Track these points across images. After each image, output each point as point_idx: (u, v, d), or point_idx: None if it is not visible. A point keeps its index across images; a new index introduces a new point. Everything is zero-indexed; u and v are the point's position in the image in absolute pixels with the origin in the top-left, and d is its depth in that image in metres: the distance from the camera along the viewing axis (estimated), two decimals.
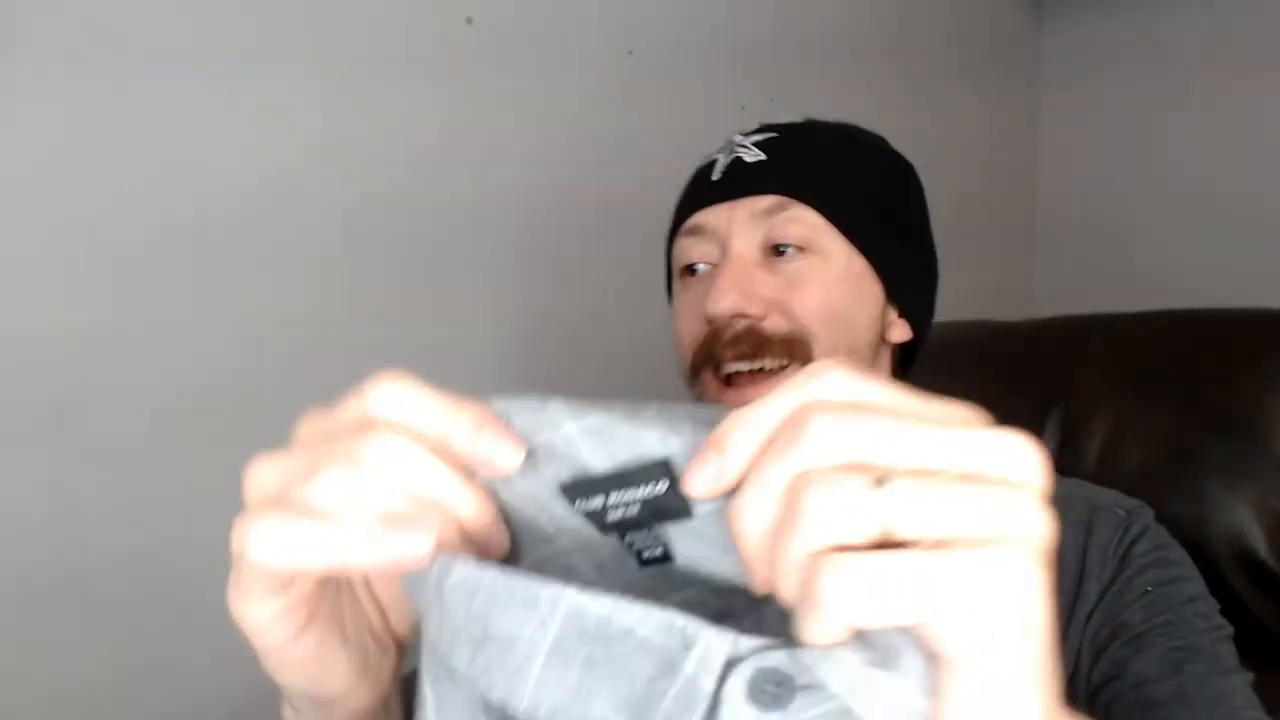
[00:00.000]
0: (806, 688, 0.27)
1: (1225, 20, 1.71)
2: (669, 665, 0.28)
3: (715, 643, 0.28)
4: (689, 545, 0.35)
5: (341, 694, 0.37)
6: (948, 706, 0.28)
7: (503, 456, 0.33)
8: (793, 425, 0.28)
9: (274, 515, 0.31)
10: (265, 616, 0.33)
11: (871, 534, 0.26)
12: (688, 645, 0.28)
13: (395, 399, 0.33)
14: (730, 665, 0.27)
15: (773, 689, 0.27)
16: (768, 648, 0.28)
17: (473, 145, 1.11)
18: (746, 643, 0.28)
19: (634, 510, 0.33)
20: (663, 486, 0.32)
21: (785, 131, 0.75)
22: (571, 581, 0.29)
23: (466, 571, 0.30)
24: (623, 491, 0.33)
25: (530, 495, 0.35)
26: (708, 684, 0.27)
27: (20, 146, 0.84)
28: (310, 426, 0.34)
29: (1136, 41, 1.77)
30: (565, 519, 0.35)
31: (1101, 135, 1.82)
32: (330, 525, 0.31)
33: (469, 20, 1.14)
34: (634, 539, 0.35)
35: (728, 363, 0.68)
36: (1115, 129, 1.80)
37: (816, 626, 0.26)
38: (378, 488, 0.31)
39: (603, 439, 0.33)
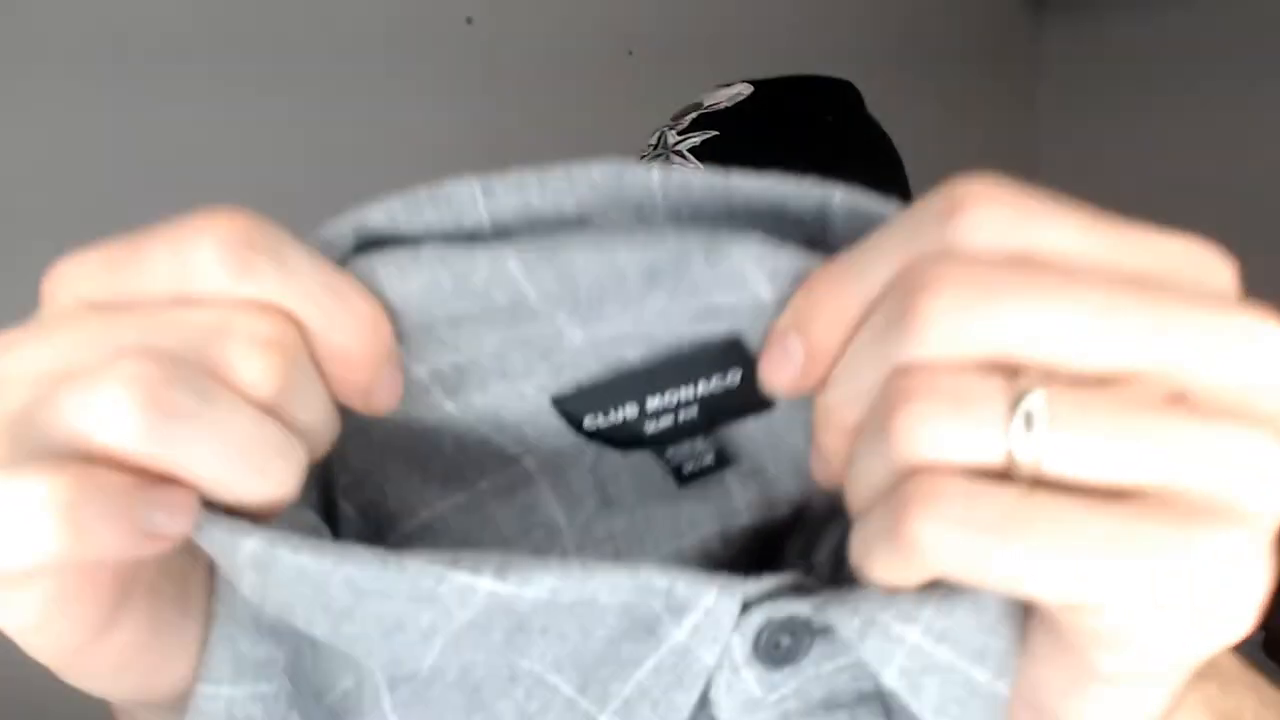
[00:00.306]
0: (826, 633, 0.21)
1: (1225, 20, 1.71)
2: (643, 628, 0.21)
3: (720, 604, 0.21)
4: (754, 439, 0.26)
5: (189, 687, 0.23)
6: (1060, 706, 0.21)
7: (386, 395, 0.23)
8: (902, 295, 0.19)
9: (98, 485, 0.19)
10: (29, 616, 0.20)
11: (998, 464, 0.18)
12: (677, 610, 0.21)
13: (248, 262, 0.21)
14: (743, 611, 0.21)
15: (786, 640, 0.21)
16: (786, 591, 0.21)
17: (473, 145, 1.11)
18: (756, 586, 0.21)
19: (689, 414, 0.24)
20: (734, 377, 0.23)
21: (727, 128, 0.63)
22: (515, 545, 0.22)
23: (304, 562, 0.19)
24: (670, 391, 0.24)
25: (486, 414, 0.25)
26: (707, 656, 0.21)
27: (20, 147, 0.84)
28: (86, 282, 0.22)
29: (1136, 42, 1.77)
30: (544, 437, 0.25)
31: (1101, 135, 1.82)
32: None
33: (469, 20, 1.14)
34: (678, 452, 0.26)
35: None
36: (1115, 129, 1.80)
37: (892, 568, 0.19)
38: (235, 421, 0.20)
39: (554, 272, 0.22)
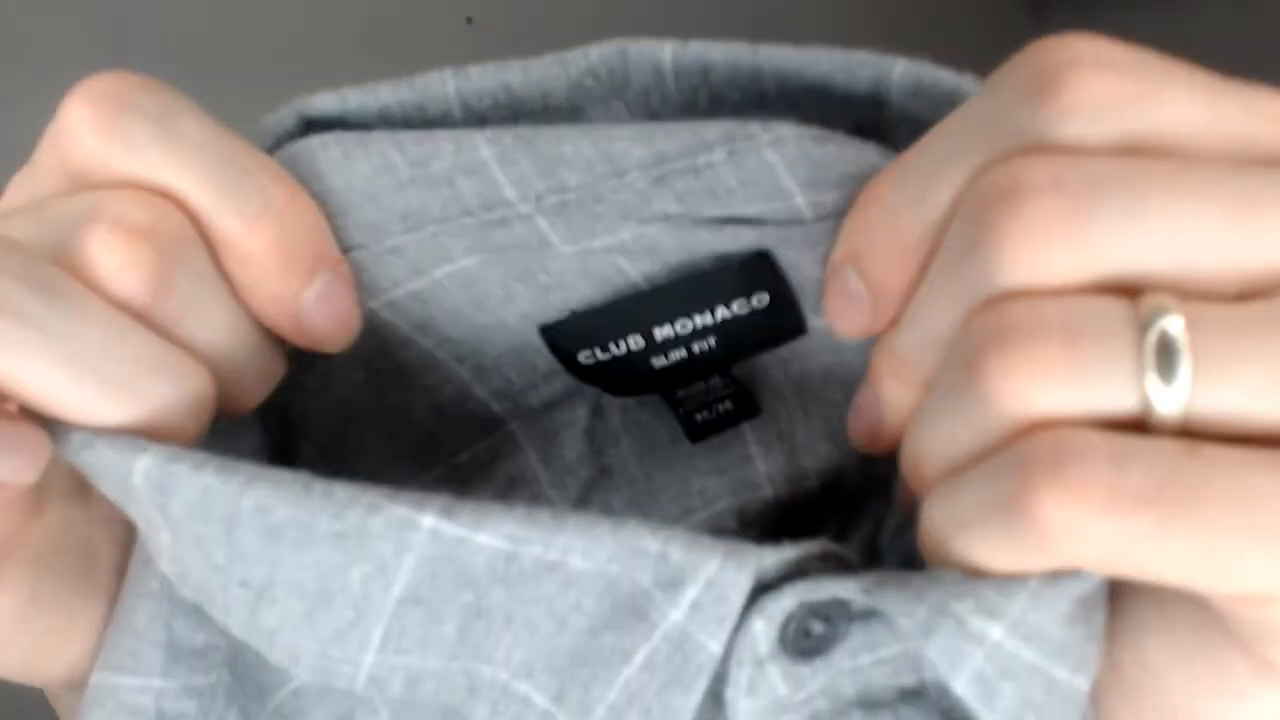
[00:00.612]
0: (866, 618, 0.17)
1: (1225, 20, 1.71)
2: (629, 611, 0.16)
3: (724, 575, 0.16)
4: (781, 395, 0.22)
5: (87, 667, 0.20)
6: (1216, 713, 0.17)
7: (342, 329, 0.19)
8: (983, 208, 0.15)
9: None
10: None
11: (1130, 413, 0.14)
12: (670, 583, 0.16)
13: (118, 123, 0.17)
14: (756, 599, 0.17)
15: (820, 627, 0.17)
16: (817, 565, 0.17)
17: None
18: (772, 557, 0.17)
19: (705, 346, 0.20)
20: (760, 300, 0.19)
21: None
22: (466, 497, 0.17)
23: (208, 482, 0.16)
24: (683, 318, 0.19)
25: (465, 352, 0.21)
26: (712, 643, 0.17)
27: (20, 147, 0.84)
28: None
29: (1136, 42, 1.77)
30: (531, 383, 0.22)
31: None
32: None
33: (469, 20, 1.14)
34: (690, 395, 0.22)
35: None
36: None
37: (1001, 556, 0.15)
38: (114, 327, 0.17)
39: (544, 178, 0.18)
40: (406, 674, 0.17)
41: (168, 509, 0.16)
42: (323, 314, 0.19)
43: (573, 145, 0.18)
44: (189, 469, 0.16)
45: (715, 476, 0.23)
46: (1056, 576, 0.16)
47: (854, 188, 0.17)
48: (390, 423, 0.22)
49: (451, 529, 0.16)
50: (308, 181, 0.18)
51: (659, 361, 0.20)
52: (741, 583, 0.17)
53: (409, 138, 0.18)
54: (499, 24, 1.20)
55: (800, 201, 0.18)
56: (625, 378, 0.21)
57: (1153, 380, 0.14)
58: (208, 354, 0.18)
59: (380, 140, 0.18)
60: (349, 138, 0.19)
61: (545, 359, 0.21)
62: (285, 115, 0.20)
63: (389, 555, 0.16)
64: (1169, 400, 0.14)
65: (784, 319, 0.19)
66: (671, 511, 0.23)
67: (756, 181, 0.18)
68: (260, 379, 0.20)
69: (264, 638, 0.17)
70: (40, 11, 0.86)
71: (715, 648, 0.17)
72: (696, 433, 0.22)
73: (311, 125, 0.20)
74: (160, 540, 0.17)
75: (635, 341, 0.20)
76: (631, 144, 0.18)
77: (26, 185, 0.19)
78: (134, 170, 0.18)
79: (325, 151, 0.19)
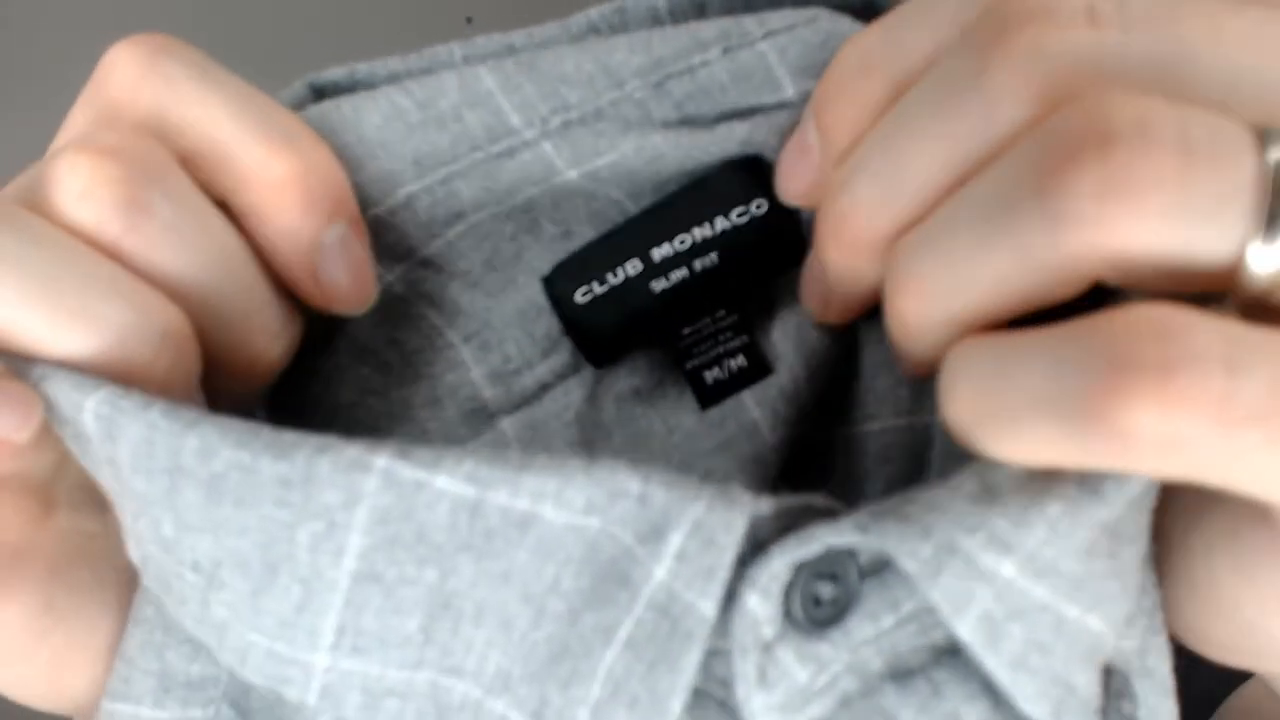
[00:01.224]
0: (878, 572, 0.15)
1: None
2: (612, 577, 0.14)
3: (713, 517, 0.14)
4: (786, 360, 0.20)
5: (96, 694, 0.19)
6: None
7: (360, 291, 0.18)
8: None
9: None
10: None
11: (1219, 268, 0.13)
12: (652, 533, 0.14)
13: (156, 63, 0.18)
14: (754, 555, 0.14)
15: (828, 590, 0.15)
16: (811, 515, 0.15)
17: None
18: (769, 504, 0.14)
19: (706, 263, 0.19)
20: (758, 207, 0.19)
21: None
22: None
23: (154, 419, 0.15)
24: (680, 235, 0.19)
25: (472, 328, 0.20)
26: (703, 603, 0.14)
27: (20, 148, 0.84)
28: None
29: None
30: (530, 359, 0.21)
31: None
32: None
33: (469, 20, 1.14)
34: (698, 336, 0.20)
35: None
36: None
37: (1063, 452, 0.13)
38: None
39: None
40: (365, 686, 0.15)
41: (117, 459, 0.15)
42: (342, 263, 0.18)
43: (573, 62, 0.18)
44: (137, 406, 0.15)
45: (719, 455, 0.21)
46: (1079, 504, 0.14)
47: None
48: (389, 424, 0.21)
49: (407, 470, 0.14)
50: (323, 140, 0.19)
51: (659, 284, 0.19)
52: (733, 524, 0.14)
53: (414, 83, 0.18)
54: (499, 24, 1.20)
55: (790, 92, 0.18)
56: (625, 318, 0.20)
57: (1259, 227, 0.12)
58: (190, 286, 0.17)
59: (387, 90, 0.18)
60: (359, 96, 0.19)
61: (544, 323, 0.21)
62: (298, 87, 0.20)
63: (338, 507, 0.14)
64: (1267, 259, 0.12)
65: (783, 227, 0.19)
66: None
67: (749, 75, 0.17)
68: (267, 332, 0.18)
69: (214, 633, 0.16)
70: (41, 11, 0.86)
71: (707, 608, 0.14)
72: (707, 396, 0.21)
73: (323, 96, 0.20)
74: (124, 517, 0.17)
75: (634, 266, 0.19)
76: (630, 53, 0.18)
77: (63, 134, 0.19)
78: (164, 103, 0.17)
79: (337, 110, 0.19)
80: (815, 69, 0.17)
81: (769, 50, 0.17)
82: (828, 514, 0.15)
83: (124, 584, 0.19)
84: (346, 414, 0.21)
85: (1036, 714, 0.14)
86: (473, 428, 0.21)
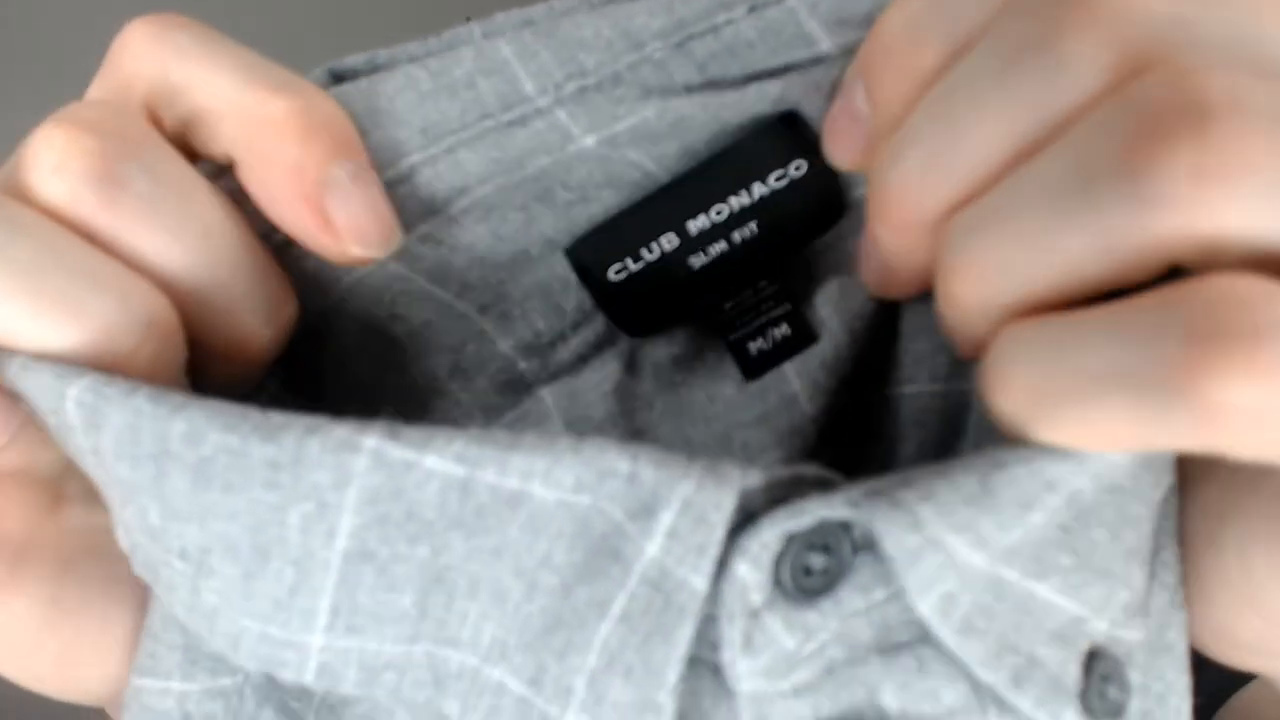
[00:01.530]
0: (873, 549, 0.15)
1: None
2: (604, 552, 0.14)
3: (703, 495, 0.14)
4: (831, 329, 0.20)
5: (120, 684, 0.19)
6: None
7: (380, 234, 0.17)
8: None
9: None
10: None
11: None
12: (642, 511, 0.14)
13: (164, 34, 0.17)
14: (746, 525, 0.14)
15: (819, 561, 0.15)
16: (806, 488, 0.15)
17: None
18: (760, 477, 0.14)
19: (746, 233, 0.18)
20: (798, 169, 0.18)
21: None
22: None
23: (137, 405, 0.15)
24: (717, 204, 0.18)
25: (488, 299, 0.20)
26: (695, 579, 0.14)
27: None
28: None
29: None
30: (557, 329, 0.20)
31: None
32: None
33: (468, 20, 1.14)
34: (740, 307, 0.20)
35: None
36: None
37: (1139, 430, 0.12)
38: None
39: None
40: (361, 662, 0.15)
41: (100, 447, 0.15)
42: (357, 196, 0.17)
43: (592, 28, 0.17)
44: (121, 393, 0.15)
45: (758, 428, 0.20)
46: (1082, 504, 0.14)
47: None
48: (419, 399, 0.21)
49: (396, 450, 0.14)
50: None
51: (698, 260, 0.19)
52: (723, 502, 0.14)
53: (434, 58, 0.18)
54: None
55: (826, 46, 0.17)
56: (662, 294, 0.19)
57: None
58: (173, 267, 0.16)
59: (406, 65, 0.18)
60: (376, 77, 0.19)
61: (574, 297, 0.20)
62: (318, 74, 0.20)
63: (328, 488, 0.14)
64: None
65: (824, 187, 0.18)
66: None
67: (778, 31, 0.17)
68: (257, 314, 0.18)
69: (205, 620, 0.16)
70: (41, 11, 0.86)
71: (699, 583, 0.14)
72: (752, 367, 0.20)
73: (342, 82, 0.20)
74: (111, 505, 0.16)
75: (669, 241, 0.18)
76: (650, 16, 0.17)
77: None
78: (169, 69, 0.17)
79: (353, 86, 0.18)
80: (854, 21, 0.17)
81: (798, 6, 0.17)
82: (822, 485, 0.15)
83: (140, 580, 0.19)
84: (367, 393, 0.21)
85: (993, 681, 0.15)
86: (510, 398, 0.20)
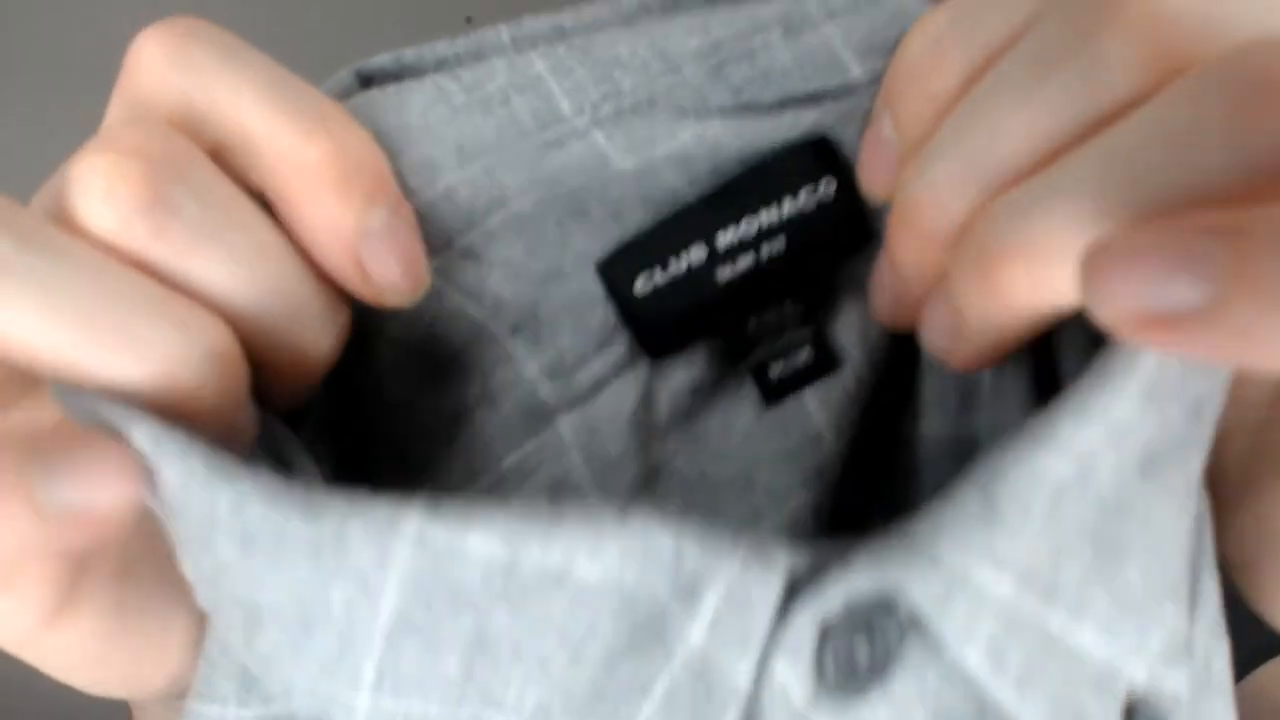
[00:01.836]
0: (919, 624, 0.14)
1: None
2: (648, 631, 0.14)
3: (748, 578, 0.13)
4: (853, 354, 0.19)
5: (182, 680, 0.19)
6: None
7: (410, 275, 0.17)
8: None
9: None
10: None
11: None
12: (686, 592, 0.14)
13: (185, 49, 0.17)
14: (788, 611, 0.14)
15: (864, 650, 0.14)
16: (859, 553, 0.14)
17: None
18: (807, 554, 0.14)
19: (773, 249, 0.18)
20: (826, 189, 0.18)
21: None
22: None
23: (194, 468, 0.14)
24: (746, 218, 0.18)
25: (521, 319, 0.19)
26: (738, 672, 0.14)
27: (20, 151, 0.84)
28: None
29: None
30: (584, 355, 0.20)
31: None
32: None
33: (469, 20, 1.14)
34: (764, 326, 0.19)
35: None
36: None
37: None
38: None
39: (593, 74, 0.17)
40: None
41: (157, 496, 0.15)
42: (390, 250, 0.17)
43: (628, 46, 0.17)
44: (178, 450, 0.14)
45: (784, 464, 0.20)
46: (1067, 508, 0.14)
47: None
48: (447, 427, 0.20)
49: (439, 532, 0.14)
50: (364, 126, 0.18)
51: (725, 273, 0.18)
52: (770, 587, 0.13)
53: (465, 69, 0.18)
54: (499, 24, 1.20)
55: (857, 73, 0.17)
56: (687, 309, 0.19)
57: None
58: (229, 291, 0.16)
59: (436, 77, 0.18)
60: (405, 85, 0.18)
61: (600, 313, 0.19)
62: (344, 75, 0.19)
63: (371, 570, 0.14)
64: None
65: (853, 210, 0.18)
66: (737, 515, 0.20)
67: (813, 57, 0.17)
68: (314, 328, 0.17)
69: (261, 662, 0.16)
70: (42, 11, 0.86)
71: (741, 679, 0.14)
72: (772, 392, 0.20)
73: (370, 84, 0.20)
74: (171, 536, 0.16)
75: (697, 253, 0.18)
76: (686, 36, 0.17)
77: (100, 131, 0.18)
78: (192, 92, 0.16)
79: (383, 95, 0.18)
80: (883, 47, 0.17)
81: (834, 34, 0.17)
82: (841, 548, 0.14)
83: None
84: (401, 414, 0.20)
85: None
86: (531, 428, 0.20)
